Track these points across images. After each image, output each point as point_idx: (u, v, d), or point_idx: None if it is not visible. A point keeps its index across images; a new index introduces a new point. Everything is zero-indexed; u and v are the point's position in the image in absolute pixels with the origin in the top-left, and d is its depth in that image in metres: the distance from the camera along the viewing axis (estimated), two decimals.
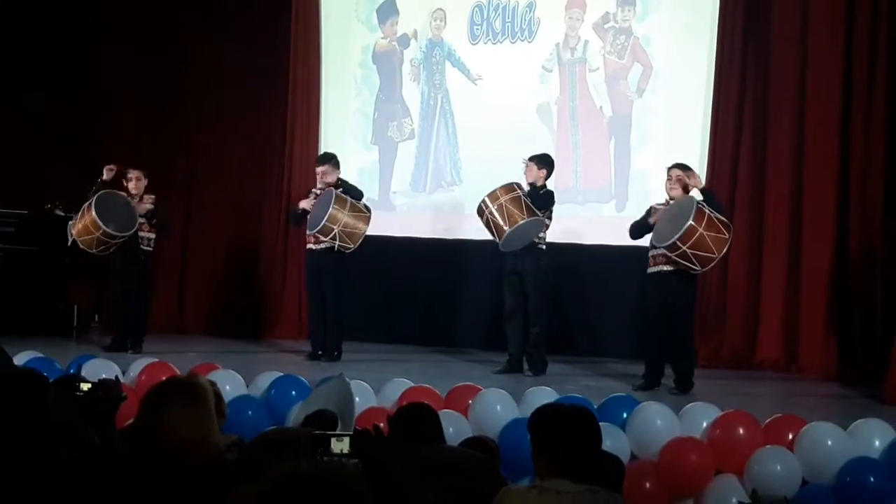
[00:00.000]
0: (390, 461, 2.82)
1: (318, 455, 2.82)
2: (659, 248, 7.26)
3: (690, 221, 6.98)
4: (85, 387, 3.90)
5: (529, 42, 9.70)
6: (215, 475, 3.21)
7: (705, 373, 8.30)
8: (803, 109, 8.68)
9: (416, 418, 4.26)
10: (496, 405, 5.45)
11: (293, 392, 5.67)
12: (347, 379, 5.06)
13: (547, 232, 7.99)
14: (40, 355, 6.51)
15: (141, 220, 8.41)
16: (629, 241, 7.89)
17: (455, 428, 5.31)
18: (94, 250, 8.30)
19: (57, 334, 9.32)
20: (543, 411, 3.47)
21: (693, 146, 8.94)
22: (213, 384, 4.68)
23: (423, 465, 3.76)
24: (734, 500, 3.89)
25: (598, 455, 3.44)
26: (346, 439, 2.82)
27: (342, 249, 8.31)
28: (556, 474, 3.33)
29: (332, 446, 2.81)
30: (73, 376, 4.17)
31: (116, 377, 4.16)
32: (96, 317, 10.12)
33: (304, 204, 8.53)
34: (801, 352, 8.62)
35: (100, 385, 3.94)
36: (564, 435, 3.33)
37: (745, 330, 8.89)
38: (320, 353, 8.42)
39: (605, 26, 9.43)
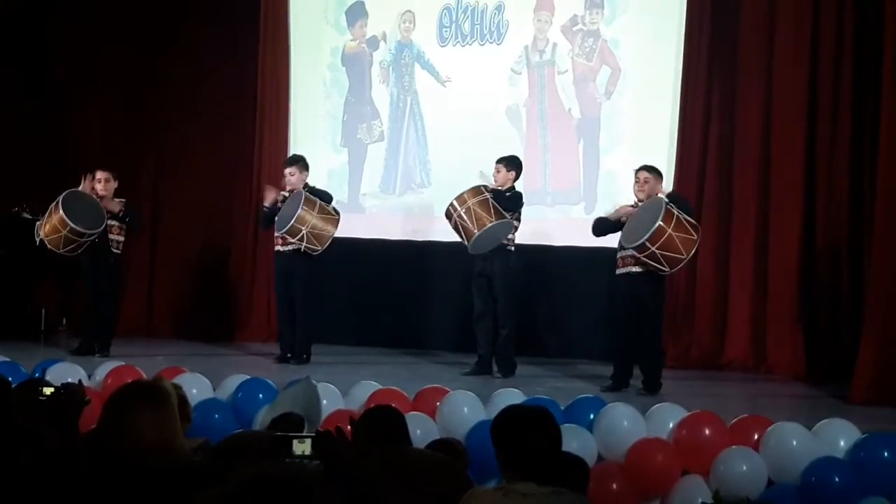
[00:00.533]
0: (352, 462, 2.82)
1: (280, 457, 2.81)
2: (628, 248, 7.29)
3: (659, 222, 7.01)
4: (48, 391, 3.89)
5: (498, 44, 9.72)
6: (180, 478, 3.20)
7: (674, 374, 8.35)
8: (769, 108, 8.73)
9: (381, 421, 4.26)
10: (463, 407, 5.46)
11: (260, 395, 5.65)
12: (314, 382, 5.04)
13: (516, 234, 8.00)
14: (5, 359, 6.47)
15: (111, 222, 8.34)
16: (598, 243, 7.93)
17: (423, 430, 5.32)
18: (61, 250, 8.22)
19: (24, 338, 9.26)
20: (504, 414, 3.48)
21: (661, 147, 8.98)
22: (177, 388, 4.68)
23: (389, 468, 3.76)
24: (699, 501, 3.91)
25: (559, 456, 3.44)
26: (308, 441, 2.81)
27: (309, 251, 8.29)
28: (521, 477, 3.34)
29: (295, 448, 2.81)
30: (36, 380, 4.16)
31: (80, 381, 4.14)
32: (64, 320, 10.04)
33: (269, 198, 8.46)
34: (768, 352, 8.67)
35: (63, 389, 3.93)
36: (524, 437, 3.34)
37: (713, 331, 8.94)
38: (289, 355, 8.39)
39: (574, 29, 9.45)
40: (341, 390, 6.04)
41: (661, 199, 7.25)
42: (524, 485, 3.31)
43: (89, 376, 6.18)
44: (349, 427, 4.12)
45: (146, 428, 3.20)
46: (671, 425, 5.43)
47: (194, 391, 5.86)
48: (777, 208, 8.69)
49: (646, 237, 7.05)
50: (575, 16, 9.44)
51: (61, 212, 8.06)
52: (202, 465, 3.46)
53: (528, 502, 3.29)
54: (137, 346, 8.89)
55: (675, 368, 8.61)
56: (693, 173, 8.95)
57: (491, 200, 7.75)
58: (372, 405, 5.20)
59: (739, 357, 8.78)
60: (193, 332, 10.20)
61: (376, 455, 3.88)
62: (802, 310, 8.56)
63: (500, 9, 9.71)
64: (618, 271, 7.48)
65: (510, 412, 3.57)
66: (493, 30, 9.75)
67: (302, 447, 2.81)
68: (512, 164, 8.07)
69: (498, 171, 8.01)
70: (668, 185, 8.71)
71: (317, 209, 8.24)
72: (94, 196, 8.35)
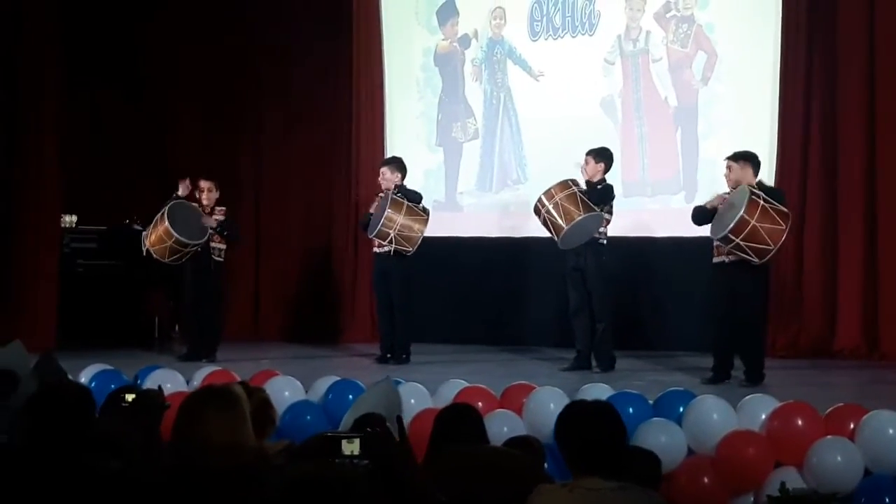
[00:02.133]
0: (400, 461, 2.84)
1: (329, 457, 2.86)
2: (714, 239, 7.14)
3: (742, 213, 6.82)
4: (129, 397, 4.02)
5: (590, 35, 9.64)
6: (250, 481, 3.27)
7: (783, 363, 8.18)
8: (873, 88, 8.47)
9: (457, 419, 4.28)
10: (549, 403, 5.42)
11: (350, 396, 5.70)
12: (394, 381, 5.08)
13: (608, 227, 7.91)
14: (109, 367, 6.68)
15: (211, 230, 8.55)
16: (699, 232, 7.74)
17: (509, 427, 5.32)
18: (166, 259, 8.47)
19: (139, 346, 9.52)
20: (566, 410, 3.46)
21: (762, 132, 8.80)
22: (261, 391, 4.78)
23: (464, 466, 3.78)
24: (765, 496, 3.80)
25: (624, 450, 3.41)
26: (357, 441, 2.84)
27: (401, 252, 8.35)
28: (587, 472, 3.32)
29: (343, 448, 2.84)
30: (122, 388, 4.30)
31: (160, 387, 4.27)
32: (176, 327, 10.33)
33: (373, 208, 8.58)
34: (881, 338, 8.41)
35: (143, 395, 4.06)
36: (587, 432, 3.31)
37: (823, 318, 8.71)
38: (389, 355, 8.47)
39: (667, 15, 9.31)
40: (434, 389, 6.07)
41: (745, 188, 7.03)
42: (590, 480, 3.29)
43: (188, 382, 6.35)
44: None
45: (214, 432, 3.26)
46: (763, 417, 5.29)
47: (286, 394, 5.97)
48: (885, 190, 8.43)
49: (728, 229, 6.89)
50: (668, 2, 9.31)
51: (167, 223, 8.30)
52: (275, 467, 3.52)
53: (593, 497, 3.27)
54: (244, 351, 9.08)
55: (784, 358, 8.43)
56: (796, 157, 8.75)
57: (579, 194, 7.67)
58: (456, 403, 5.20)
59: (851, 344, 8.53)
60: (300, 335, 10.42)
61: (452, 454, 3.92)
62: None
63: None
64: (714, 260, 7.33)
65: (572, 408, 3.54)
66: (584, 21, 9.67)
67: (351, 447, 2.85)
68: (601, 155, 7.98)
69: (587, 163, 7.94)
70: (770, 169, 8.56)
71: (404, 210, 8.28)
72: (198, 206, 8.56)
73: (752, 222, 6.82)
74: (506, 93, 10.01)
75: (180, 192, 8.57)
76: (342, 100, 10.54)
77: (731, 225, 6.85)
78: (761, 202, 6.91)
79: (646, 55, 9.40)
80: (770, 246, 6.91)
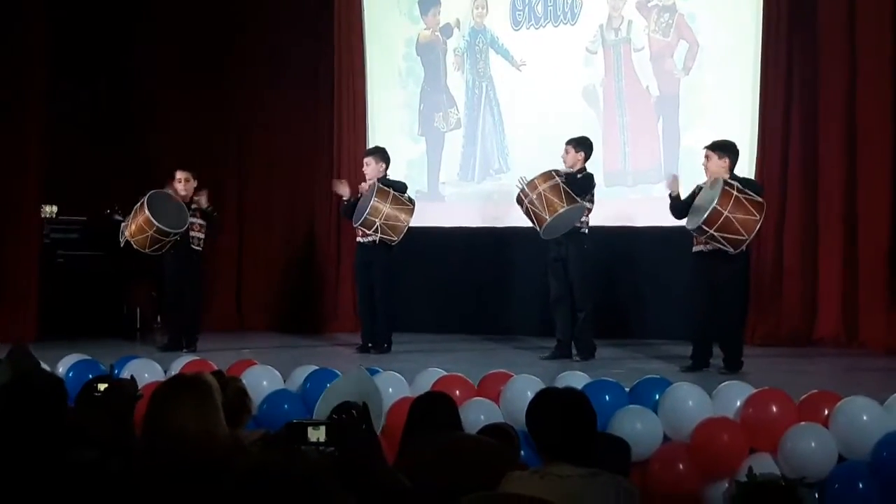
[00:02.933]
0: (367, 447, 2.85)
1: (294, 445, 2.86)
2: (690, 230, 7.17)
3: (715, 205, 6.85)
4: (102, 387, 4.02)
5: (572, 25, 9.64)
6: (223, 470, 3.26)
7: (763, 351, 8.23)
8: (854, 79, 8.49)
9: (432, 407, 4.30)
10: (527, 391, 5.42)
11: (328, 385, 5.71)
12: (371, 371, 5.08)
13: (589, 216, 7.93)
14: (86, 357, 6.68)
15: (192, 219, 8.52)
16: (680, 222, 7.78)
17: (486, 415, 5.34)
18: (147, 250, 8.42)
19: (121, 337, 9.51)
20: (537, 398, 3.48)
21: (743, 122, 8.83)
22: (236, 380, 4.78)
23: (437, 453, 3.79)
24: (733, 482, 3.83)
25: (594, 437, 3.43)
26: (323, 428, 2.85)
27: (386, 242, 8.36)
28: (557, 459, 3.34)
29: (309, 435, 2.85)
30: (94, 378, 4.29)
31: (132, 376, 4.26)
32: (158, 318, 10.31)
33: (343, 192, 8.53)
34: (860, 326, 8.46)
35: (116, 384, 4.06)
36: (557, 419, 3.34)
37: (803, 306, 8.75)
38: (370, 345, 8.48)
39: (649, 5, 9.32)
40: (413, 378, 6.08)
41: (719, 179, 7.05)
42: (560, 466, 3.31)
43: (165, 371, 6.35)
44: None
45: (185, 421, 3.26)
46: (738, 404, 5.32)
47: (264, 383, 5.98)
48: (864, 179, 8.46)
49: (702, 220, 6.92)
50: None
51: (147, 212, 8.26)
52: (248, 456, 3.52)
53: (564, 484, 3.29)
54: (226, 341, 9.07)
55: (765, 346, 8.48)
56: (777, 146, 8.78)
57: (562, 185, 7.68)
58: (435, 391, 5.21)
59: (831, 332, 8.58)
60: (284, 324, 10.44)
61: (426, 441, 3.93)
62: (895, 280, 8.31)
63: None
64: (693, 249, 7.35)
65: (543, 395, 3.56)
66: (566, 10, 9.67)
67: (317, 434, 2.85)
68: (581, 144, 7.99)
69: (567, 153, 7.95)
70: (751, 159, 8.60)
71: (390, 200, 8.29)
72: (178, 195, 8.55)
73: (725, 213, 6.86)
74: (488, 82, 10.01)
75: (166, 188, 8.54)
76: (324, 89, 10.54)
77: (705, 216, 6.88)
78: (734, 192, 6.92)
79: (627, 44, 9.41)
80: (744, 236, 6.94)
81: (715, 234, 6.91)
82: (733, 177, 7.20)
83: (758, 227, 7.02)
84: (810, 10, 8.68)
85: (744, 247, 7.05)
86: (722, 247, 6.99)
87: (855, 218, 8.50)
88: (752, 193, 7.00)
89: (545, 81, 9.64)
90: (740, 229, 6.90)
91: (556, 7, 9.71)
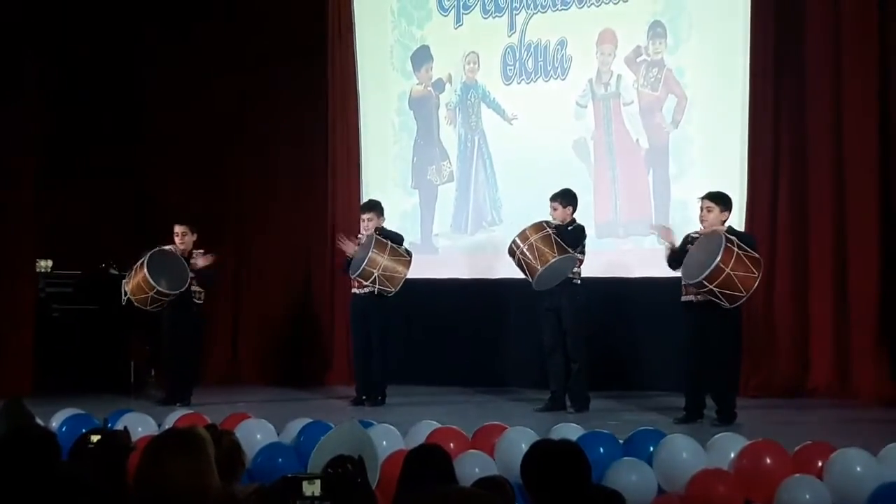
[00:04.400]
0: (363, 501, 2.86)
1: (289, 499, 2.88)
2: (687, 283, 7.20)
3: (718, 262, 6.87)
4: (95, 439, 4.02)
5: (563, 79, 9.77)
6: None
7: (757, 402, 8.25)
8: (841, 131, 8.60)
9: (426, 460, 4.30)
10: (521, 443, 5.43)
11: (322, 438, 5.71)
12: (364, 423, 5.09)
13: (581, 267, 7.98)
14: (80, 412, 6.67)
15: (192, 274, 8.53)
16: (673, 272, 7.82)
17: (480, 468, 5.31)
18: (148, 307, 8.44)
19: (115, 391, 9.47)
20: (532, 449, 3.50)
21: (732, 174, 8.89)
22: (230, 434, 4.77)
23: None
24: None
25: (589, 489, 3.44)
26: (318, 482, 2.87)
27: (383, 293, 8.39)
28: None
29: (304, 489, 2.86)
30: (88, 431, 4.29)
31: (125, 428, 4.27)
32: (152, 371, 10.31)
33: (348, 250, 8.59)
34: (853, 377, 8.48)
35: (109, 436, 4.07)
36: (552, 471, 3.35)
37: (795, 357, 8.78)
38: (364, 397, 8.47)
39: (637, 59, 9.45)
40: (407, 431, 6.08)
41: (721, 235, 7.08)
42: None
43: (159, 425, 6.35)
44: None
45: (178, 475, 3.26)
46: (732, 455, 5.33)
47: (258, 436, 5.98)
48: (854, 229, 8.54)
49: (703, 276, 6.93)
50: (638, 46, 9.44)
51: (146, 273, 8.24)
52: None
53: None
54: (220, 395, 9.08)
55: (758, 397, 8.49)
56: (765, 198, 8.85)
57: (553, 236, 7.75)
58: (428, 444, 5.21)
59: (824, 383, 8.60)
60: (279, 378, 10.43)
61: (419, 494, 3.93)
62: (886, 332, 8.36)
63: (562, 44, 9.77)
64: (683, 298, 7.37)
65: (538, 447, 3.59)
66: (556, 65, 9.80)
67: (312, 488, 2.87)
68: (566, 198, 8.06)
69: (555, 209, 8.02)
70: (740, 210, 8.67)
71: (388, 251, 8.35)
72: (179, 253, 8.53)
73: (727, 270, 6.87)
74: (480, 136, 10.12)
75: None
76: (319, 144, 10.64)
77: (707, 273, 6.88)
78: (735, 249, 6.95)
79: (617, 98, 9.53)
80: (742, 293, 6.97)
81: (715, 289, 6.92)
82: (730, 230, 7.25)
83: (756, 284, 7.04)
84: (797, 65, 8.80)
85: (740, 303, 7.07)
86: (717, 301, 7.01)
87: (845, 268, 8.56)
88: (749, 249, 7.04)
89: (536, 135, 9.75)
90: (740, 286, 6.92)
91: (547, 62, 9.83)
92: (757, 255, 7.08)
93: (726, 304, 7.01)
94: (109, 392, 9.26)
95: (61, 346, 9.91)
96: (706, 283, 6.92)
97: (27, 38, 9.43)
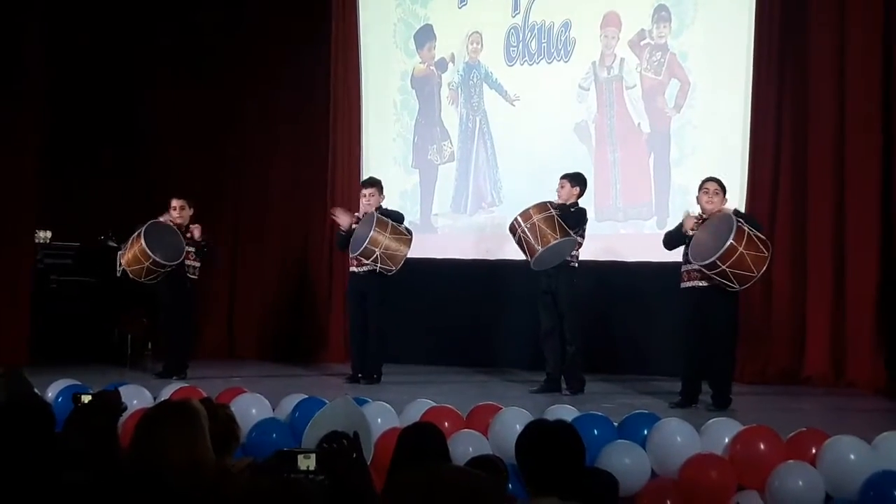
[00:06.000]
0: (356, 476, 2.86)
1: (284, 473, 2.88)
2: (695, 264, 7.17)
3: (731, 241, 6.87)
4: (86, 399, 4.02)
5: (566, 62, 9.73)
6: (209, 497, 3.27)
7: (752, 389, 8.25)
8: (843, 118, 8.58)
9: (420, 438, 4.30)
10: (515, 424, 5.43)
11: (316, 414, 5.72)
12: (359, 400, 5.09)
13: (580, 250, 7.98)
14: (76, 382, 6.68)
15: (188, 248, 8.55)
16: (671, 257, 7.81)
17: (475, 447, 5.33)
18: (142, 279, 8.46)
19: (112, 363, 9.49)
20: (526, 429, 3.49)
21: (733, 159, 8.88)
22: (225, 408, 4.78)
23: (424, 484, 3.80)
24: None
25: (582, 470, 3.44)
26: (313, 456, 2.87)
27: (383, 272, 8.38)
28: (544, 492, 3.35)
29: (300, 463, 2.87)
30: (78, 393, 4.29)
31: (116, 389, 4.28)
32: (149, 345, 10.31)
33: (343, 223, 8.57)
34: (848, 365, 8.49)
35: (99, 396, 4.07)
36: (546, 451, 3.35)
37: (791, 345, 8.78)
38: (360, 375, 8.48)
39: (641, 43, 9.42)
40: (402, 409, 6.09)
41: (731, 215, 7.10)
42: (547, 500, 3.31)
43: (155, 398, 6.35)
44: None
45: (172, 447, 3.27)
46: (726, 440, 5.34)
47: (253, 411, 5.99)
48: (853, 218, 8.52)
49: (717, 255, 6.91)
50: (642, 30, 9.41)
51: (143, 243, 8.27)
52: (236, 483, 3.52)
53: None
54: (217, 369, 9.09)
55: (753, 384, 8.49)
56: (767, 183, 8.83)
57: (556, 217, 7.74)
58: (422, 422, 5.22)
59: (819, 371, 8.59)
60: (275, 354, 10.45)
61: (413, 472, 3.94)
62: (883, 320, 8.36)
63: (566, 26, 9.73)
64: (683, 285, 7.37)
65: (532, 427, 3.58)
66: (560, 47, 9.77)
67: (307, 462, 2.87)
68: (576, 180, 8.06)
69: (562, 187, 8.01)
70: (741, 196, 8.66)
71: (389, 230, 8.33)
72: (174, 226, 8.55)
73: (741, 249, 6.88)
74: (481, 116, 10.09)
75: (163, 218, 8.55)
76: (319, 121, 10.60)
77: (721, 252, 6.87)
78: (746, 229, 6.97)
79: (620, 82, 9.50)
80: (753, 273, 6.97)
81: (727, 270, 6.92)
82: (736, 212, 7.25)
83: (766, 265, 7.05)
84: (800, 50, 8.78)
85: (749, 284, 7.08)
86: (728, 283, 7.00)
87: (843, 257, 8.55)
88: (756, 230, 7.05)
89: (538, 117, 9.72)
90: (752, 266, 6.93)
91: (550, 44, 9.80)
92: (764, 237, 7.09)
93: (735, 286, 7.01)
94: (106, 364, 9.29)
95: (58, 317, 9.90)
96: (719, 264, 6.91)
97: (32, 13, 9.39)
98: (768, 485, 5.07)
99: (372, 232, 8.23)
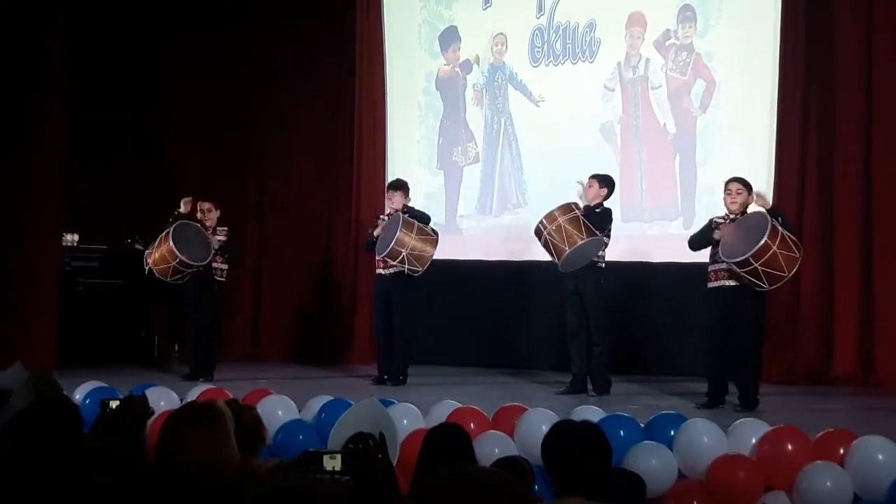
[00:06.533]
0: (382, 477, 2.86)
1: (309, 473, 2.88)
2: (726, 262, 7.11)
3: (766, 239, 6.84)
4: (113, 404, 4.05)
5: (590, 62, 9.72)
6: (235, 498, 3.28)
7: (780, 389, 8.22)
8: (870, 116, 8.53)
9: (446, 439, 4.30)
10: (541, 425, 5.42)
11: (342, 415, 5.72)
12: (385, 402, 5.09)
13: (607, 250, 7.96)
14: (104, 385, 6.72)
15: (214, 250, 8.59)
16: (697, 258, 7.77)
17: (500, 448, 5.32)
18: (168, 279, 8.49)
19: (139, 365, 9.55)
20: (553, 430, 3.48)
21: (760, 159, 8.85)
22: (251, 409, 4.79)
23: (450, 485, 3.80)
24: None
25: (608, 471, 3.43)
26: (339, 457, 2.87)
27: (411, 273, 8.39)
28: (570, 492, 3.34)
29: (325, 464, 2.87)
30: (107, 399, 4.32)
31: (143, 394, 4.30)
32: (176, 346, 10.38)
33: (377, 231, 8.60)
34: (877, 365, 8.43)
35: (127, 401, 4.09)
36: (573, 452, 3.34)
37: (819, 345, 8.74)
38: (385, 377, 8.49)
39: (666, 43, 9.39)
40: (428, 410, 6.09)
41: (764, 213, 7.07)
42: (573, 500, 3.30)
43: (182, 400, 6.37)
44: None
45: (197, 448, 3.27)
46: (753, 441, 5.30)
47: (279, 413, 6.00)
48: (881, 217, 8.48)
49: (750, 253, 6.88)
50: (667, 30, 9.38)
51: (171, 243, 8.31)
52: (262, 482, 3.53)
53: None
54: (243, 371, 9.13)
55: (782, 384, 8.44)
56: (793, 182, 8.79)
57: (582, 218, 7.72)
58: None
59: (848, 371, 8.56)
60: (301, 356, 10.47)
61: (439, 472, 3.94)
62: None
63: (591, 27, 9.71)
64: (710, 285, 7.35)
65: (559, 428, 3.57)
66: (584, 48, 9.75)
67: (332, 463, 2.87)
68: (605, 182, 8.04)
69: (590, 186, 7.99)
70: (768, 195, 8.56)
71: (415, 231, 8.34)
72: (202, 227, 8.60)
73: (774, 248, 6.86)
74: (506, 118, 10.09)
75: (182, 209, 8.61)
76: (345, 123, 10.63)
77: (755, 249, 6.85)
78: (780, 229, 6.94)
79: (645, 82, 9.47)
80: (784, 273, 6.96)
81: (759, 268, 6.89)
82: (772, 211, 7.21)
83: (797, 266, 7.02)
84: (827, 49, 8.73)
85: (780, 284, 7.04)
86: (758, 283, 6.97)
87: (871, 256, 8.50)
88: (788, 231, 7.03)
89: (563, 117, 9.71)
90: (783, 266, 6.91)
91: (575, 45, 9.79)
92: (795, 238, 7.07)
93: (766, 286, 6.99)
94: (133, 366, 9.34)
95: (86, 320, 9.97)
96: (752, 261, 6.87)
97: (55, 15, 9.46)
98: (796, 485, 5.03)
99: (398, 233, 8.23)
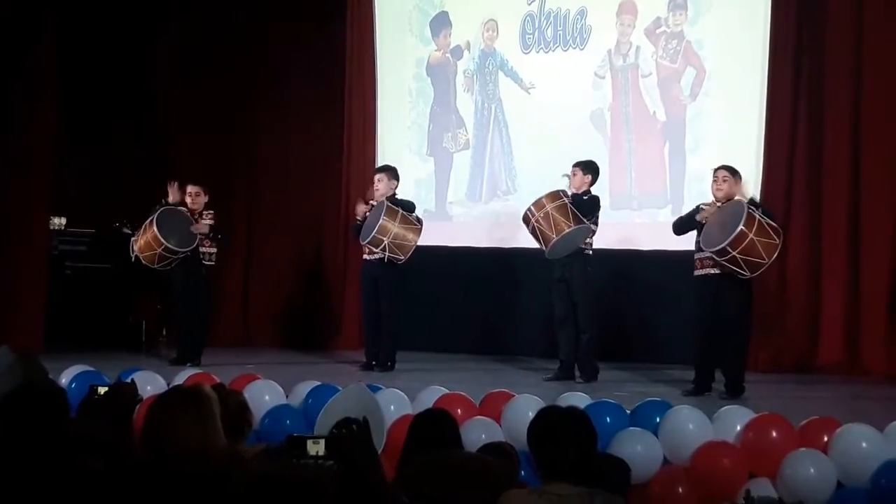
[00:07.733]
0: (366, 462, 2.87)
1: (293, 458, 2.89)
2: (707, 251, 7.17)
3: (741, 227, 6.86)
4: (102, 390, 4.05)
5: (581, 49, 9.71)
6: (220, 483, 3.28)
7: (765, 377, 8.24)
8: (859, 106, 8.55)
9: (432, 424, 4.32)
10: (527, 411, 5.43)
11: (329, 400, 5.74)
12: (372, 388, 5.11)
13: (595, 237, 7.97)
14: (90, 369, 6.72)
15: (202, 236, 8.57)
16: (686, 246, 7.78)
17: (487, 434, 5.34)
18: (155, 265, 8.49)
19: (126, 349, 9.53)
20: (539, 415, 3.50)
21: (749, 147, 8.86)
22: (238, 394, 4.80)
23: (436, 470, 3.81)
24: None
25: (594, 457, 3.45)
26: (322, 442, 2.88)
27: (392, 260, 8.39)
28: (556, 478, 3.36)
29: (308, 448, 2.87)
30: (95, 384, 4.32)
31: (132, 380, 4.30)
32: (164, 331, 10.36)
33: (359, 212, 8.59)
34: (863, 353, 8.47)
35: (116, 388, 4.10)
36: (558, 437, 3.36)
37: (805, 333, 8.77)
38: (374, 363, 8.50)
39: (657, 31, 9.39)
40: (415, 396, 6.10)
41: (742, 202, 7.10)
42: (559, 485, 3.33)
43: (168, 384, 6.38)
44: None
45: (182, 432, 3.27)
46: (738, 428, 5.34)
47: (267, 398, 6.01)
48: (869, 206, 8.50)
49: (727, 241, 6.91)
50: (658, 18, 9.38)
51: (155, 229, 8.30)
52: (247, 467, 3.54)
53: (562, 502, 3.31)
54: (231, 356, 9.11)
55: (767, 372, 8.48)
56: (782, 171, 8.82)
57: (569, 205, 7.74)
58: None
59: (834, 359, 8.59)
60: (289, 341, 10.48)
61: (425, 458, 3.95)
62: None
63: (582, 14, 9.71)
64: (696, 273, 7.38)
65: (544, 413, 3.59)
66: (575, 35, 9.75)
67: (316, 448, 2.88)
68: (589, 168, 8.05)
69: (574, 175, 8.00)
70: (755, 185, 8.63)
71: (398, 219, 8.33)
72: (187, 212, 8.58)
73: (751, 236, 6.88)
74: (497, 104, 10.08)
75: (170, 199, 8.59)
76: (335, 108, 10.61)
77: (731, 238, 6.88)
78: (757, 216, 6.96)
79: (635, 70, 9.47)
80: (764, 260, 6.97)
81: (738, 256, 6.91)
82: (751, 201, 7.23)
83: (776, 252, 7.04)
84: (817, 38, 8.74)
85: (760, 272, 7.06)
86: (738, 270, 7.00)
87: (858, 244, 8.53)
88: (768, 218, 7.04)
89: (553, 104, 9.70)
90: (762, 253, 6.93)
91: (566, 32, 9.78)
92: (776, 225, 7.09)
93: (746, 273, 7.01)
94: (120, 350, 9.32)
95: (73, 304, 9.95)
96: (729, 250, 6.90)
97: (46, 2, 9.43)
98: (780, 473, 5.06)
99: (381, 220, 8.23)
